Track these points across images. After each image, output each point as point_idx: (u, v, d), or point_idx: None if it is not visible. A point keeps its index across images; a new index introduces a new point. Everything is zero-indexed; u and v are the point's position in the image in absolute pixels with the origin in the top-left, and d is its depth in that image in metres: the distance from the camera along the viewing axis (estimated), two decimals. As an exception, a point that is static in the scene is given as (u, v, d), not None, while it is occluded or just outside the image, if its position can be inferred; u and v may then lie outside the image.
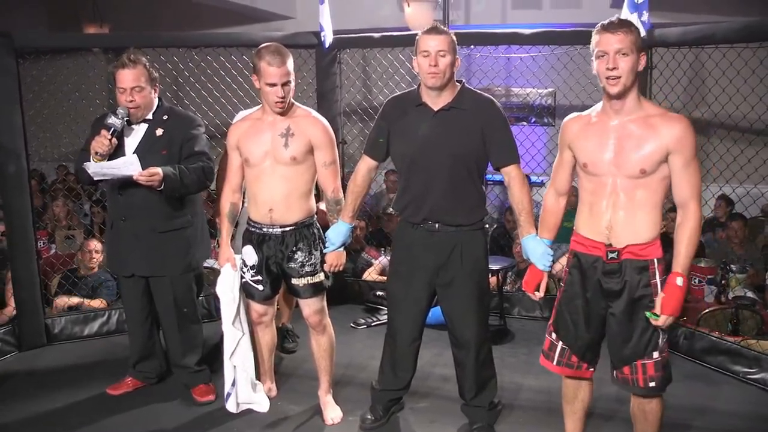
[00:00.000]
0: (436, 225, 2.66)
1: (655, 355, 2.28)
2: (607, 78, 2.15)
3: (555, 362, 2.45)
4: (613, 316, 2.31)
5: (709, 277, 4.43)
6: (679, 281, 2.18)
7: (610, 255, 2.25)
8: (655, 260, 2.25)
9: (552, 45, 4.70)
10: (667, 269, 2.25)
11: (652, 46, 3.83)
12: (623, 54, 2.12)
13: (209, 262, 4.11)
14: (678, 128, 2.15)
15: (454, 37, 2.58)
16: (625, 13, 3.67)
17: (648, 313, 2.24)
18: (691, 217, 2.19)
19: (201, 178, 3.04)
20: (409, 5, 6.48)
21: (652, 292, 2.24)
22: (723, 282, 4.36)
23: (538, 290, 2.52)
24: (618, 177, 2.21)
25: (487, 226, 6.12)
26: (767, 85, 4.12)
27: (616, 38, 2.12)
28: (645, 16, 3.68)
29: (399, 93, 2.79)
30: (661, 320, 2.21)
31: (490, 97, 2.69)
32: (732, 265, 4.49)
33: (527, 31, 4.10)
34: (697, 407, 3.20)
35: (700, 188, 2.21)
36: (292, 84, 2.75)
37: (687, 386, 3.38)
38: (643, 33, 3.65)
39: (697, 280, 4.42)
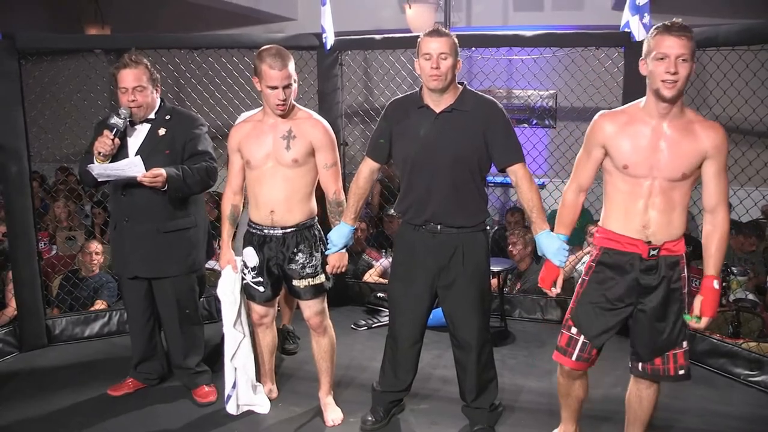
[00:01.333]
0: (438, 227, 2.67)
1: (685, 344, 2.39)
2: (664, 81, 2.14)
3: (574, 357, 2.46)
4: (644, 311, 2.36)
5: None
6: (716, 284, 2.29)
7: (652, 252, 2.30)
8: (683, 255, 2.35)
9: (553, 47, 4.71)
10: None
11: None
12: (684, 60, 2.13)
13: (211, 264, 4.12)
14: (717, 136, 2.22)
15: (456, 40, 2.58)
16: (627, 16, 3.68)
17: (687, 316, 2.33)
18: (722, 221, 2.29)
19: (204, 178, 3.05)
20: (410, 7, 6.49)
21: (682, 285, 2.34)
22: (724, 284, 4.36)
23: (555, 286, 2.53)
24: (657, 179, 2.26)
25: (488, 227, 6.11)
26: (760, 88, 4.11)
27: (680, 43, 2.12)
28: (646, 19, 3.68)
29: (401, 95, 2.80)
30: (703, 322, 2.31)
31: (492, 98, 2.69)
32: (733, 268, 4.49)
33: (529, 33, 4.11)
34: (699, 410, 3.20)
35: (728, 194, 2.30)
36: (294, 86, 2.75)
37: (688, 389, 3.37)
38: (644, 35, 3.65)
39: (697, 283, 4.41)
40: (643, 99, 2.30)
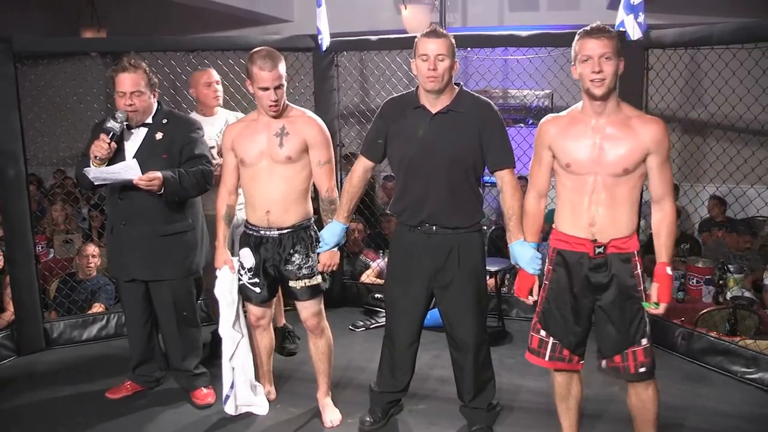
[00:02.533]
0: (434, 227, 2.67)
1: (644, 341, 2.39)
2: (592, 81, 2.24)
3: (547, 358, 2.50)
4: (602, 308, 2.41)
5: (706, 277, 4.44)
6: (669, 270, 2.35)
7: (597, 250, 2.35)
8: (635, 252, 2.38)
9: (549, 47, 4.71)
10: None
11: (648, 47, 3.84)
12: (606, 58, 2.23)
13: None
14: (656, 130, 2.29)
15: (453, 40, 2.58)
16: (621, 15, 3.68)
17: (645, 303, 2.37)
18: (669, 210, 2.36)
19: (201, 181, 3.05)
20: (406, 8, 6.48)
21: (636, 282, 2.38)
22: (721, 282, 4.37)
23: (531, 294, 2.56)
24: (600, 175, 2.31)
25: (485, 228, 6.12)
26: (762, 85, 4.11)
27: (600, 43, 2.23)
28: (641, 18, 3.67)
29: (397, 95, 2.80)
30: (662, 308, 2.35)
31: (488, 100, 2.69)
32: (730, 265, 4.50)
33: (524, 33, 4.11)
34: (696, 407, 3.20)
35: (673, 184, 2.39)
36: (285, 87, 2.77)
37: (686, 386, 3.39)
38: (639, 34, 3.67)
39: (695, 281, 4.43)
40: (581, 102, 2.39)
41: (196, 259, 3.23)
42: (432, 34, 2.55)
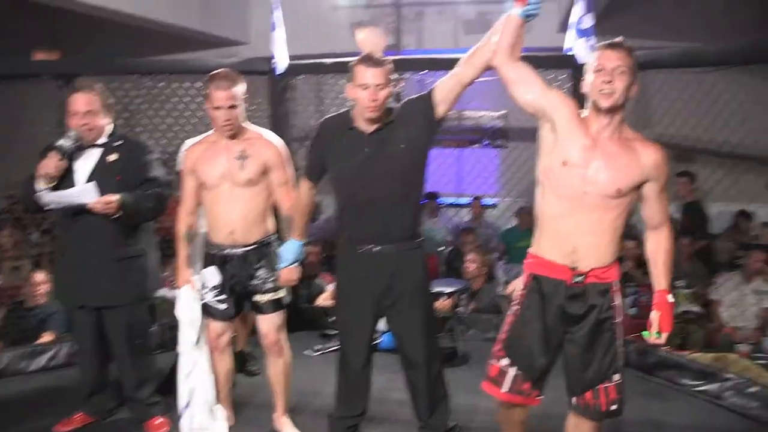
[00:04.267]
0: (376, 247, 2.66)
1: (616, 377, 2.27)
2: (601, 91, 2.14)
3: (506, 389, 2.35)
4: (573, 341, 2.28)
5: (658, 293, 4.54)
6: (670, 298, 2.26)
7: (576, 278, 2.23)
8: (614, 283, 2.27)
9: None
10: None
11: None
12: (621, 72, 2.13)
13: (162, 292, 4.03)
14: (657, 155, 2.20)
15: (391, 65, 2.57)
16: (571, 39, 3.78)
17: (646, 333, 2.28)
18: (666, 237, 2.28)
19: (156, 204, 3.02)
20: (361, 31, 6.53)
21: (614, 314, 2.25)
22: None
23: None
24: (590, 194, 2.19)
25: (442, 248, 6.13)
26: (706, 107, 4.27)
27: (616, 55, 2.14)
28: (592, 41, 3.78)
29: (331, 115, 2.81)
30: (663, 338, 2.27)
31: (410, 98, 2.69)
32: (678, 282, 4.60)
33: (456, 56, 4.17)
34: (650, 421, 3.26)
35: (669, 212, 2.32)
36: (241, 108, 2.80)
37: (640, 401, 3.44)
38: (588, 58, 3.76)
39: (646, 297, 4.53)
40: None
41: (150, 285, 3.18)
42: (369, 62, 2.52)
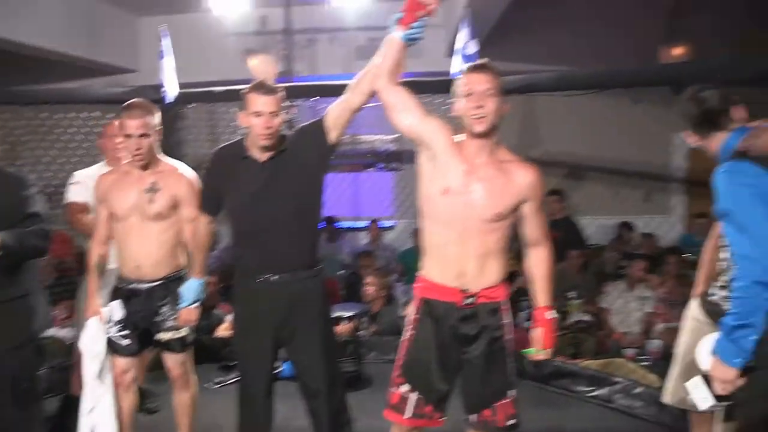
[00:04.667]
0: (274, 276, 2.65)
1: (511, 392, 2.33)
2: (473, 116, 2.17)
3: (408, 415, 2.34)
4: (470, 362, 2.31)
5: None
6: (549, 315, 2.32)
7: (467, 300, 2.26)
8: (503, 301, 2.32)
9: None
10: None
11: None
12: (490, 94, 2.17)
13: (51, 331, 3.85)
14: (532, 177, 2.27)
15: (283, 92, 2.61)
16: (457, 64, 3.94)
17: (529, 350, 2.33)
18: (545, 254, 2.36)
19: (41, 241, 2.87)
20: (253, 58, 6.52)
21: (504, 333, 2.30)
22: (564, 309, 4.70)
23: None
24: (472, 220, 2.23)
25: (343, 271, 6.14)
26: (586, 127, 4.57)
27: (483, 78, 2.17)
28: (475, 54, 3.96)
29: (224, 145, 2.80)
30: (545, 353, 2.32)
31: (304, 124, 2.74)
32: (569, 293, 4.85)
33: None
34: (548, 430, 3.41)
35: (546, 229, 2.40)
36: (153, 138, 2.81)
37: (538, 411, 3.59)
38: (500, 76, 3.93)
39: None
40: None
41: (36, 325, 3.02)
42: (263, 90, 2.53)
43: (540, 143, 5.12)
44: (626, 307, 4.78)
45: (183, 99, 4.33)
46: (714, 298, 2.36)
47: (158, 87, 4.24)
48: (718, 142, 2.23)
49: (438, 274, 2.30)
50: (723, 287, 2.28)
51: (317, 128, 2.62)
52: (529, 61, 6.50)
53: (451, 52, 4.22)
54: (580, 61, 5.85)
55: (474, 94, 2.17)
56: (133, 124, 2.75)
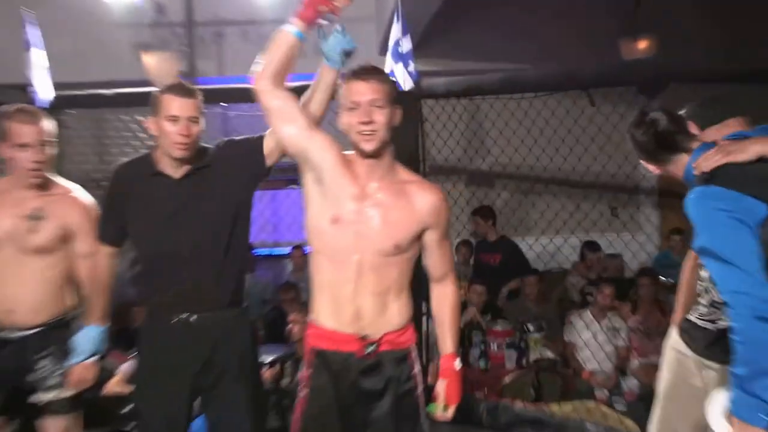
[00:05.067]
0: (192, 316, 2.62)
1: None
2: (360, 133, 2.15)
3: None
4: (377, 421, 2.28)
5: (507, 340, 4.83)
6: (458, 364, 2.33)
7: (367, 349, 2.24)
8: (412, 347, 2.33)
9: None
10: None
11: (421, 98, 4.22)
12: (378, 106, 2.15)
13: None
14: (434, 200, 2.26)
15: (202, 95, 2.59)
16: (390, 64, 4.00)
17: (431, 407, 2.32)
18: (452, 290, 2.39)
19: None
20: (148, 54, 6.43)
21: (415, 385, 2.31)
22: (522, 345, 4.78)
23: None
24: (366, 253, 2.22)
25: (262, 307, 6.03)
26: (535, 134, 4.71)
27: (370, 87, 2.14)
28: (411, 66, 4.03)
29: (128, 159, 2.76)
30: (450, 411, 2.31)
31: (228, 139, 2.73)
32: (529, 325, 4.93)
33: (293, 85, 4.24)
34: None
35: (453, 260, 2.43)
36: (52, 149, 2.73)
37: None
38: (411, 84, 4.00)
39: (495, 346, 4.81)
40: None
41: None
42: (179, 91, 2.52)
43: (487, 153, 5.22)
44: (595, 340, 4.83)
45: (61, 103, 4.20)
46: (691, 317, 2.40)
47: (23, 87, 4.08)
48: (680, 166, 2.26)
49: (331, 319, 2.28)
50: (705, 308, 2.33)
51: (254, 148, 2.61)
52: (474, 58, 6.65)
53: (384, 50, 4.28)
54: (531, 59, 6.04)
55: (359, 107, 2.15)
56: (30, 131, 2.64)
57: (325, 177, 2.23)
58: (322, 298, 2.30)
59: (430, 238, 2.30)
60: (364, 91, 2.15)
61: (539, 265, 5.83)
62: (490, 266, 5.99)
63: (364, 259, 2.22)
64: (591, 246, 6.43)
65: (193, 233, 2.58)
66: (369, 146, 2.17)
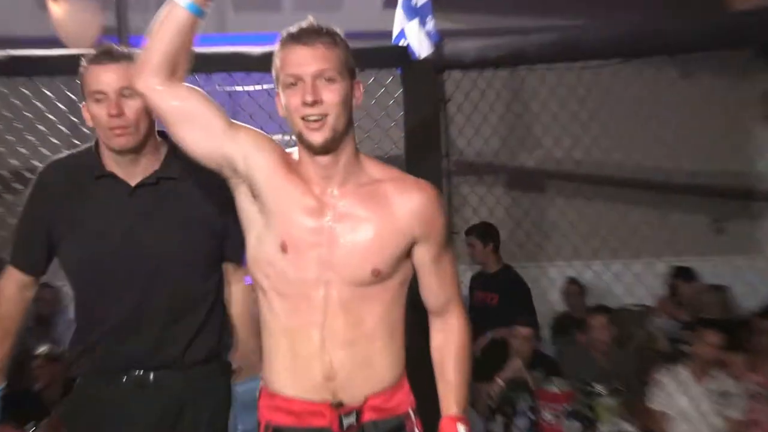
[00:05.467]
0: (150, 374, 2.68)
1: None
2: (305, 119, 2.14)
3: None
4: None
5: (566, 407, 4.83)
6: (462, 428, 2.35)
7: (347, 421, 2.25)
8: (411, 411, 2.36)
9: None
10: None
11: (443, 69, 4.18)
12: (328, 79, 2.13)
13: None
14: (424, 200, 2.27)
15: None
16: (400, 22, 4.03)
17: None
18: (457, 327, 2.41)
19: None
20: (57, 5, 6.40)
21: None
22: (590, 414, 4.77)
23: None
24: (333, 285, 2.22)
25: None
26: (601, 118, 4.72)
27: (314, 53, 2.12)
28: (430, 25, 4.04)
29: (62, 156, 2.81)
30: None
31: None
32: (597, 385, 4.92)
33: (257, 51, 4.25)
34: None
35: (459, 284, 2.45)
36: None
37: None
38: (429, 49, 4.02)
39: (550, 415, 4.80)
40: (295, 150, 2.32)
41: None
42: (106, 57, 2.56)
43: (535, 145, 5.24)
44: (695, 409, 4.78)
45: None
46: None
47: None
48: None
49: (291, 382, 2.29)
50: None
51: None
52: (516, 11, 6.59)
53: (389, 2, 4.32)
54: (593, 12, 6.02)
55: (301, 81, 2.13)
56: None
57: (263, 189, 2.23)
58: (278, 353, 2.30)
59: (422, 254, 2.30)
60: (306, 59, 2.13)
61: (611, 301, 5.83)
62: (488, 308, 5.97)
63: (332, 293, 2.22)
64: (685, 274, 6.40)
65: (151, 261, 2.63)
66: (318, 137, 2.15)
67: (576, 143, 4.77)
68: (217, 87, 5.18)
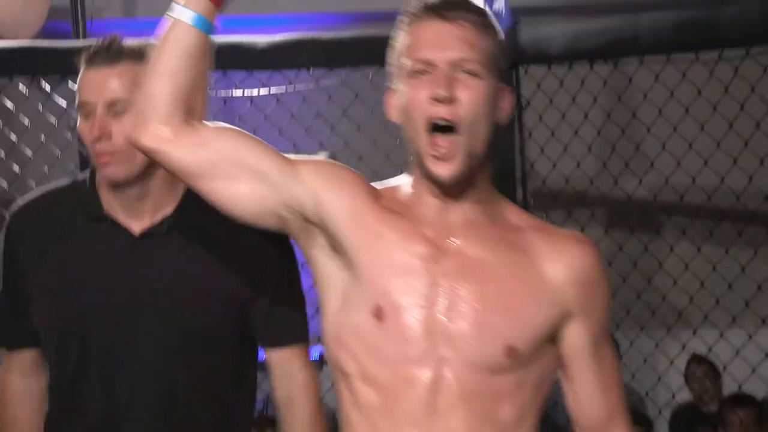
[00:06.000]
0: None
1: None
2: (431, 119, 1.98)
3: None
4: None
5: None
6: None
7: None
8: None
9: (318, 67, 4.93)
10: None
11: (518, 63, 4.28)
12: (469, 72, 1.99)
13: None
14: (585, 260, 2.15)
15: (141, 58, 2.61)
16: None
17: None
18: None
19: None
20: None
21: None
22: None
23: None
24: (450, 367, 2.06)
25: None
26: (744, 130, 4.74)
27: (457, 33, 2.00)
28: (500, 2, 4.09)
29: (45, 191, 2.85)
30: None
31: None
32: None
33: (263, 40, 4.30)
34: None
35: (623, 386, 2.28)
36: None
37: None
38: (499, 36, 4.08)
39: None
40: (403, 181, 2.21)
41: None
42: (100, 56, 2.60)
43: (647, 167, 5.23)
44: None
45: None
46: None
47: None
48: None
49: None
50: None
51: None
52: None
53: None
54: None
55: (435, 67, 2.00)
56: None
57: (346, 235, 2.12)
58: None
59: (577, 337, 2.15)
60: (445, 38, 2.02)
61: (757, 388, 5.84)
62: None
63: (446, 379, 2.05)
64: None
65: (158, 331, 2.67)
66: (445, 170, 2.01)
67: (705, 166, 4.79)
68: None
